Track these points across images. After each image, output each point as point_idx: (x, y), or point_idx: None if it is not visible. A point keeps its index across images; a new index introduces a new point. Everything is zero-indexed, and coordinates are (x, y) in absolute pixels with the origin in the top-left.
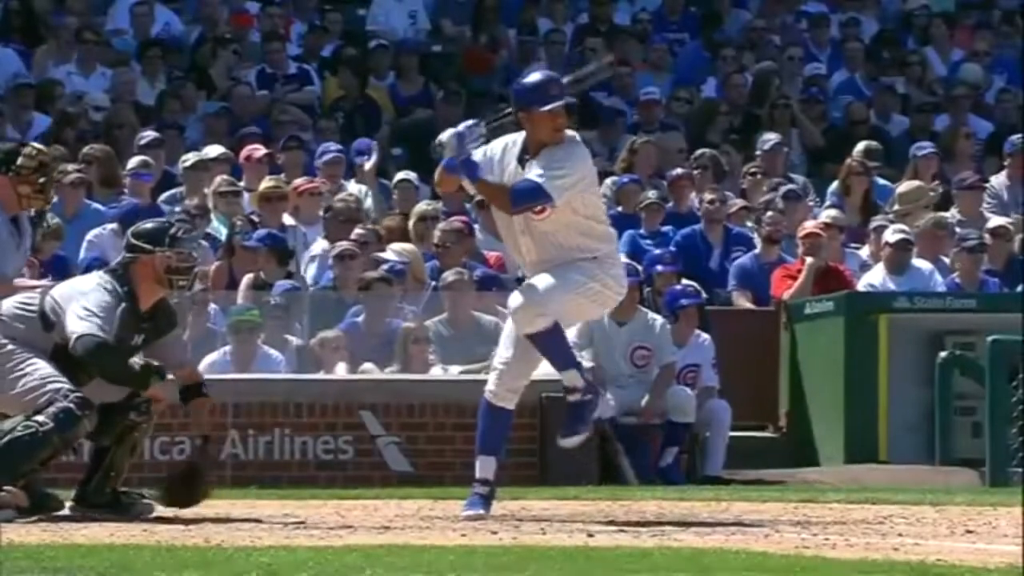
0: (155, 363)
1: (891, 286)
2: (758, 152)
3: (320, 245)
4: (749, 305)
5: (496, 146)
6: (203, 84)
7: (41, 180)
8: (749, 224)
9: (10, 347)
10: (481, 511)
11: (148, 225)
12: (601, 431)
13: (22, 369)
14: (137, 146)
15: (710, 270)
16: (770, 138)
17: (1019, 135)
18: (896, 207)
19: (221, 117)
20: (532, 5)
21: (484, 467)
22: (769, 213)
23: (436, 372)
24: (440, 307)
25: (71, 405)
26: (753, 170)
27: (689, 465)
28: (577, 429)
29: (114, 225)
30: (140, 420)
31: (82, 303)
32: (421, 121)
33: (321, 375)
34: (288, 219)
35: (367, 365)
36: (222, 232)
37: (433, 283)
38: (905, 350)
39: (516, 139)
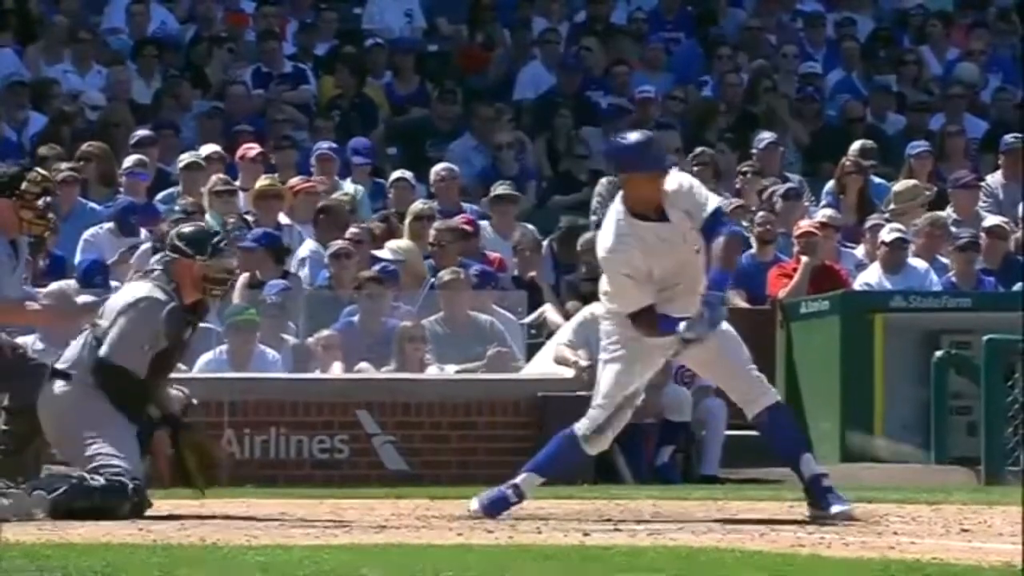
0: (163, 416)
1: (887, 285)
2: (753, 151)
3: (309, 245)
4: (745, 304)
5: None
6: (198, 83)
7: (43, 204)
8: (745, 223)
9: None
10: (482, 511)
11: (193, 230)
12: None
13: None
14: (131, 145)
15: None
16: (765, 137)
17: (1014, 134)
18: (892, 206)
19: (216, 116)
20: (527, 4)
21: (528, 482)
22: (761, 213)
23: (432, 371)
24: (436, 306)
25: (144, 490)
26: (747, 169)
27: (685, 464)
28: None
29: (110, 224)
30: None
31: (125, 321)
32: (417, 120)
33: (317, 374)
34: (284, 218)
35: (363, 364)
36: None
37: (430, 281)
38: (901, 349)
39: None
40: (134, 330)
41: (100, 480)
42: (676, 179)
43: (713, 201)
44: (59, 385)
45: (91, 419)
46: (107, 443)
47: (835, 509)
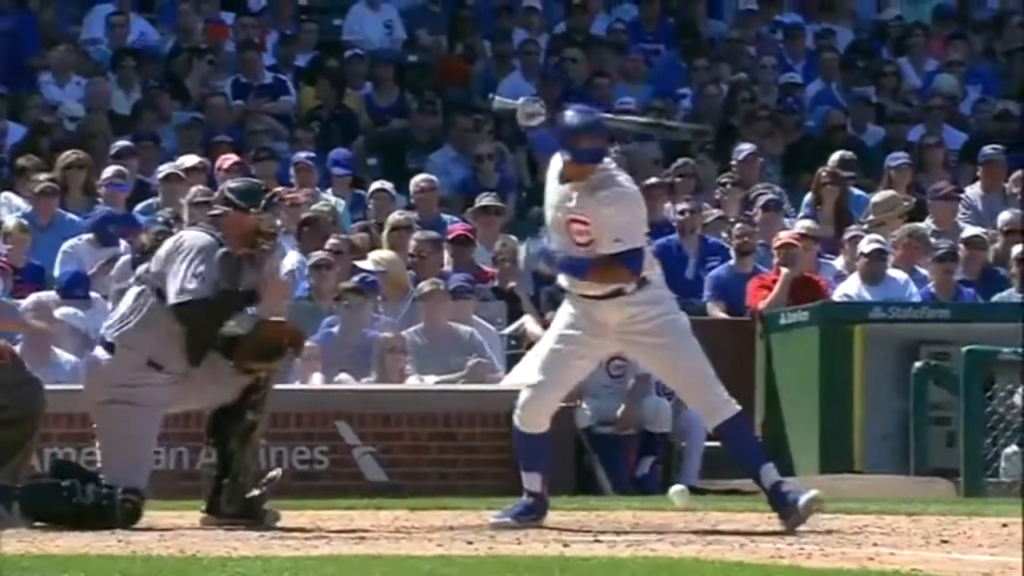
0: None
1: (866, 296)
2: (733, 162)
3: (293, 257)
4: (724, 315)
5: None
6: (178, 94)
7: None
8: (724, 234)
9: (134, 407)
10: (511, 519)
11: (245, 184)
12: (576, 441)
13: (131, 439)
14: (111, 155)
15: (686, 280)
16: (744, 148)
17: (993, 145)
18: (870, 217)
19: (195, 127)
20: (507, 15)
21: (529, 481)
22: (739, 224)
23: (412, 382)
24: (416, 317)
25: (137, 506)
26: (727, 180)
27: (665, 475)
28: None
29: (89, 235)
30: (257, 418)
31: (179, 261)
32: (397, 131)
33: (297, 385)
34: None
35: (343, 375)
36: None
37: (413, 293)
38: (880, 360)
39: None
40: (190, 266)
41: (89, 497)
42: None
43: None
44: (103, 355)
45: (121, 414)
46: (123, 446)
47: (802, 500)
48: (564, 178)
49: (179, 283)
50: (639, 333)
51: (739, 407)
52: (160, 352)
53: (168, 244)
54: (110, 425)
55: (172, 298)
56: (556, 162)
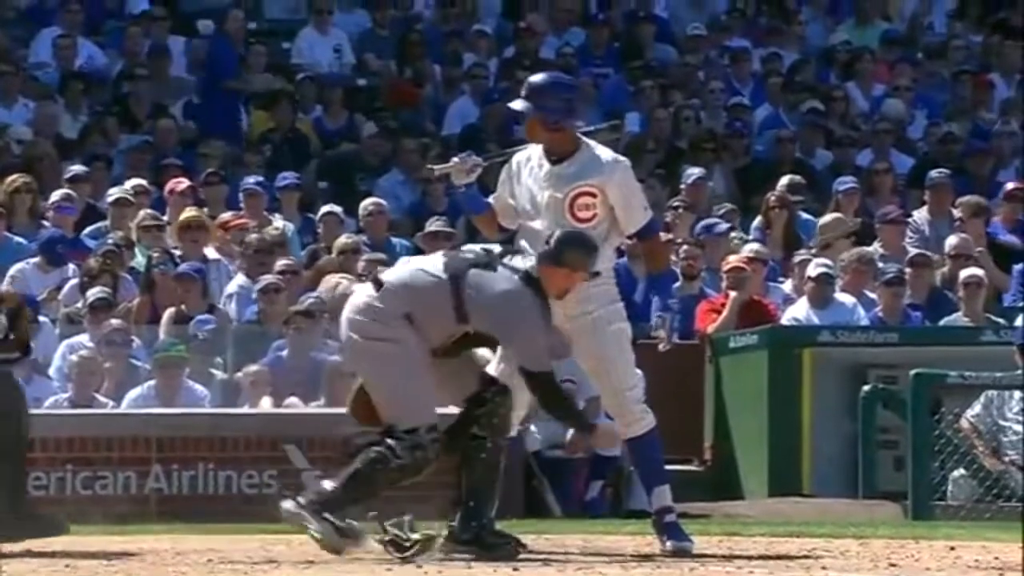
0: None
1: (814, 320)
2: (682, 186)
3: (238, 280)
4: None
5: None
6: (126, 118)
7: None
8: (674, 258)
9: (404, 347)
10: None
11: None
12: (526, 465)
13: (406, 375)
14: (65, 179)
15: (635, 303)
16: (693, 172)
17: (940, 169)
18: (816, 240)
19: (144, 151)
20: (457, 39)
21: None
22: (684, 247)
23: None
24: None
25: (429, 445)
26: (677, 204)
27: (614, 499)
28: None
29: (37, 259)
30: (495, 439)
31: (528, 327)
32: (346, 154)
33: (246, 409)
34: (211, 253)
35: (292, 399)
36: (143, 265)
37: None
38: (828, 384)
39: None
40: (536, 340)
41: (403, 458)
42: None
43: None
44: (369, 291)
45: (389, 352)
46: (402, 382)
47: (670, 545)
48: (547, 153)
49: (528, 350)
50: (582, 328)
51: (655, 422)
52: (420, 314)
53: (498, 298)
54: (381, 366)
55: (528, 360)
56: (521, 155)
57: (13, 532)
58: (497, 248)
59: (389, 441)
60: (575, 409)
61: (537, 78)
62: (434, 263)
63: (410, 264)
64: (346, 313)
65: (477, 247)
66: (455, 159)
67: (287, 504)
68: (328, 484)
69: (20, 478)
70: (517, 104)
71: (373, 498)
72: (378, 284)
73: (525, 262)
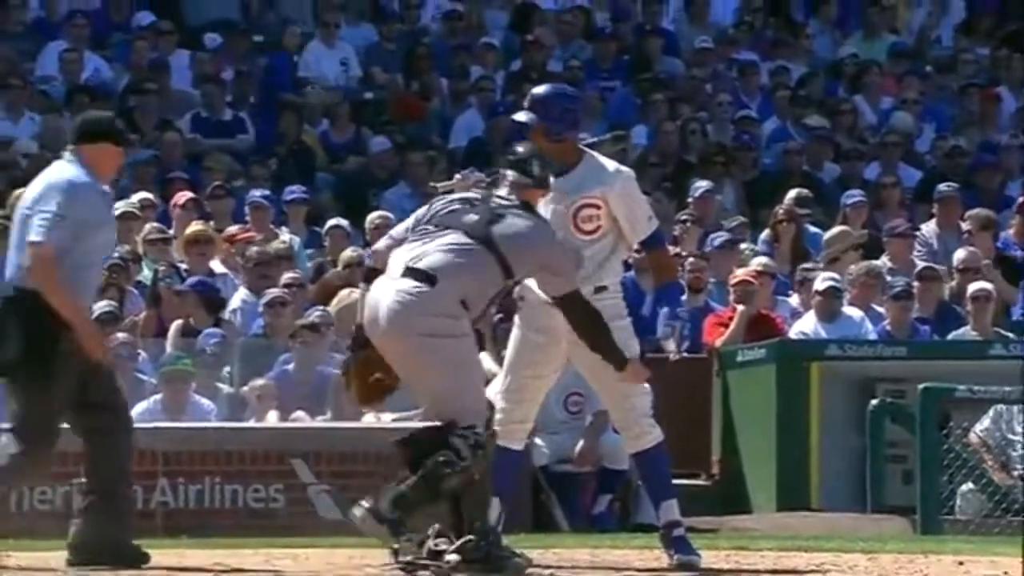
0: None
1: (822, 334)
2: (689, 199)
3: (240, 295)
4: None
5: None
6: (133, 130)
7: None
8: (681, 272)
9: (466, 340)
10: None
11: None
12: (533, 479)
13: (469, 369)
14: None
15: (642, 317)
16: (701, 185)
17: (948, 183)
18: (823, 253)
19: (151, 164)
20: (464, 52)
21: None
22: (690, 260)
23: (369, 420)
24: None
25: (488, 443)
26: (685, 217)
27: (622, 513)
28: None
29: None
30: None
31: (559, 252)
32: (354, 168)
33: (252, 423)
34: (218, 266)
35: (298, 413)
36: (149, 279)
37: None
38: (836, 398)
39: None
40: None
41: (467, 459)
42: None
43: None
44: (419, 285)
45: (446, 345)
46: (460, 376)
47: (677, 559)
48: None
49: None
50: (580, 344)
51: (662, 436)
52: (474, 293)
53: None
54: (445, 363)
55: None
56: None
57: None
58: (476, 194)
59: (454, 441)
60: (609, 336)
61: (540, 89)
62: (453, 237)
63: (429, 247)
64: (398, 312)
65: (455, 197)
66: (458, 175)
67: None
68: (396, 490)
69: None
70: (520, 116)
71: (436, 503)
72: (420, 274)
73: (511, 193)
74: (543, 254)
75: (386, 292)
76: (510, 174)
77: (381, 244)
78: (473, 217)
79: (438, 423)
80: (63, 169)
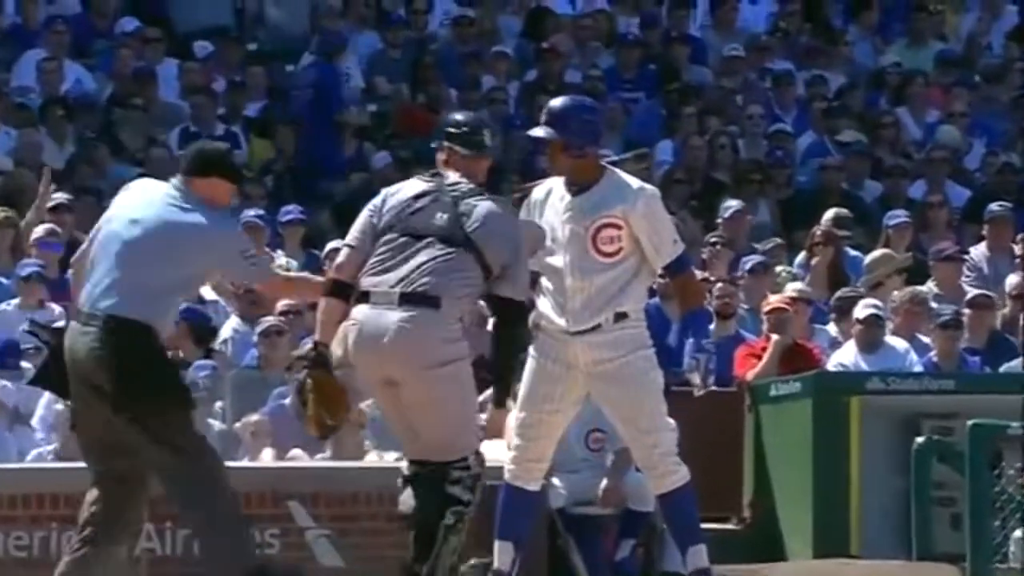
0: None
1: (863, 366)
2: (719, 220)
3: (232, 324)
4: (713, 383)
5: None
6: (116, 147)
7: None
8: (709, 298)
9: (467, 363)
10: None
11: None
12: (550, 522)
13: (471, 396)
14: (48, 209)
15: (668, 347)
16: (731, 204)
17: (1000, 202)
18: (863, 278)
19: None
20: (475, 61)
21: (501, 555)
22: (719, 285)
23: (371, 459)
24: None
25: (477, 468)
26: (714, 239)
27: (646, 559)
28: None
29: (17, 300)
30: (471, 500)
31: (521, 247)
32: (355, 186)
33: (245, 462)
34: (208, 293)
35: (295, 451)
36: None
37: None
38: (878, 435)
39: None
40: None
41: (471, 505)
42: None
43: None
44: (422, 311)
45: (463, 371)
46: (467, 409)
47: None
48: (569, 183)
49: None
50: (609, 375)
51: (689, 476)
52: (466, 309)
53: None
54: (454, 389)
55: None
56: (540, 189)
57: None
58: (427, 182)
59: (453, 492)
60: (516, 370)
61: (557, 102)
62: (433, 249)
63: (413, 265)
64: (414, 346)
65: (409, 194)
66: None
67: None
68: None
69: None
70: (537, 131)
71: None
72: (420, 298)
73: (463, 176)
74: (514, 245)
75: (388, 324)
76: (459, 150)
77: (342, 256)
78: (442, 218)
79: (431, 468)
80: (181, 199)
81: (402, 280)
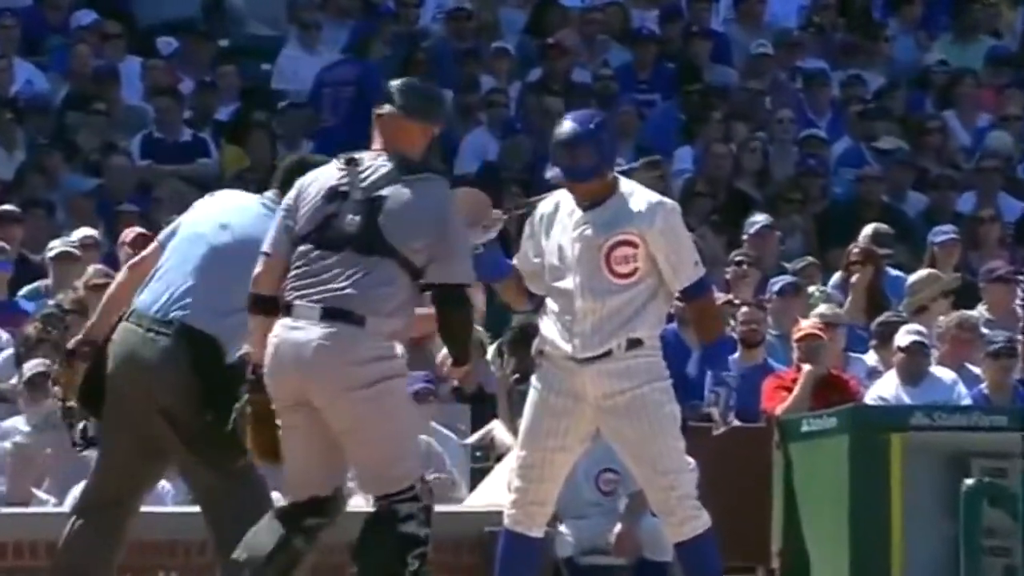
0: None
1: (905, 399)
2: (744, 236)
3: None
4: (733, 419)
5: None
6: (71, 154)
7: None
8: (733, 323)
9: (402, 376)
10: None
11: None
12: (556, 573)
13: (408, 412)
14: None
15: (687, 378)
16: (758, 219)
17: None
18: (906, 301)
19: (93, 195)
20: (472, 59)
21: None
22: (744, 309)
23: (355, 503)
24: None
25: (424, 497)
26: (739, 258)
27: None
28: None
29: None
30: (307, 549)
31: (460, 227)
32: None
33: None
34: None
35: (273, 495)
36: None
37: None
38: (923, 476)
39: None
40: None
41: (416, 520)
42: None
43: None
44: (348, 328)
45: (399, 390)
46: (407, 427)
47: None
48: (579, 201)
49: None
50: (620, 409)
51: (710, 522)
52: (401, 324)
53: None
54: (383, 412)
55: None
56: (552, 198)
57: None
58: (340, 172)
59: (405, 531)
60: (469, 347)
61: (564, 134)
62: (347, 262)
63: (328, 277)
64: (334, 366)
65: (319, 195)
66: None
67: None
68: None
69: None
70: (551, 173)
71: None
72: (343, 315)
73: (383, 149)
74: (435, 224)
75: (307, 342)
76: (395, 111)
77: (260, 267)
78: (354, 221)
79: (376, 509)
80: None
81: (323, 296)
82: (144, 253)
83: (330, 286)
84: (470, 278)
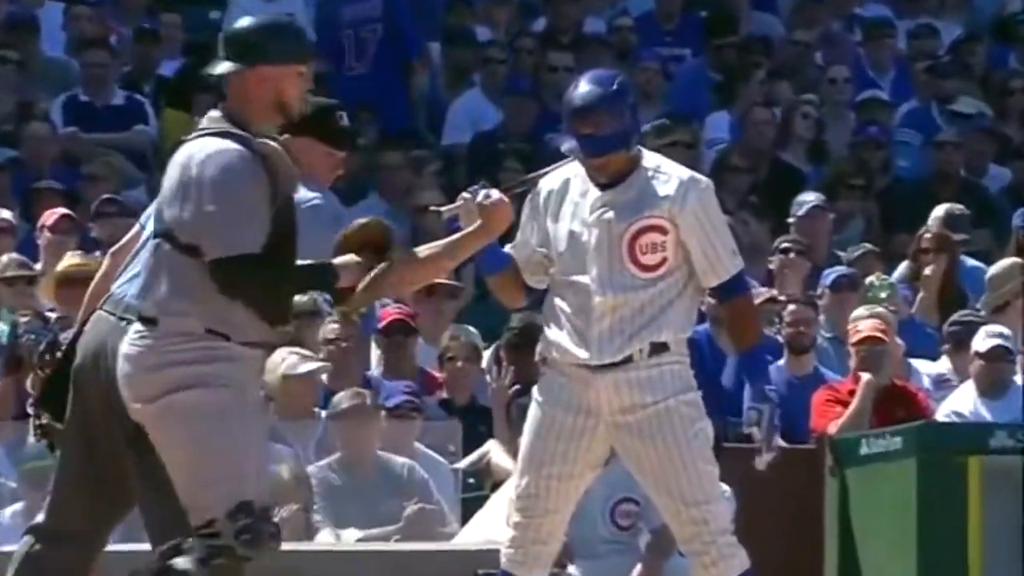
0: None
1: (985, 415)
2: (791, 219)
3: None
4: (779, 441)
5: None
6: None
7: None
8: (777, 322)
9: (211, 390)
10: None
11: None
12: None
13: (229, 440)
14: None
15: (722, 389)
16: (808, 199)
17: None
18: (986, 297)
19: (7, 169)
20: (464, 7)
21: None
22: (791, 307)
23: (324, 539)
24: (329, 445)
25: (260, 527)
26: (786, 245)
27: None
28: None
29: None
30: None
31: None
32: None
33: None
34: None
35: None
36: (5, 335)
37: (320, 410)
38: (1005, 505)
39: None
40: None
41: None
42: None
43: None
44: (141, 331)
45: (195, 402)
46: (209, 444)
47: None
48: (595, 178)
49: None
50: (641, 426)
51: (749, 563)
52: (220, 319)
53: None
54: (180, 428)
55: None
56: (560, 174)
57: None
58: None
59: (177, 563)
60: (304, 273)
61: (579, 98)
62: (152, 247)
63: (134, 271)
64: (131, 373)
65: None
66: (464, 195)
67: None
68: None
69: None
70: (566, 145)
71: None
72: (136, 315)
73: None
74: (186, 183)
75: (110, 343)
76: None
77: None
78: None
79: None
80: None
81: (121, 291)
82: (126, 238)
83: (132, 283)
84: (235, 247)
